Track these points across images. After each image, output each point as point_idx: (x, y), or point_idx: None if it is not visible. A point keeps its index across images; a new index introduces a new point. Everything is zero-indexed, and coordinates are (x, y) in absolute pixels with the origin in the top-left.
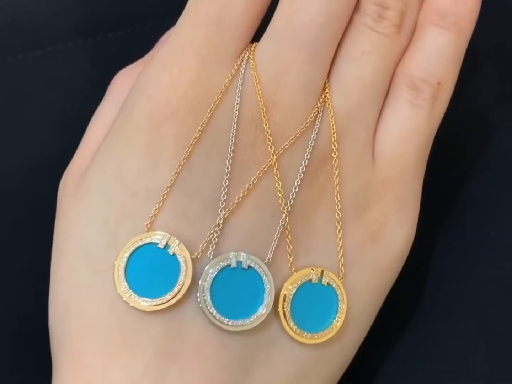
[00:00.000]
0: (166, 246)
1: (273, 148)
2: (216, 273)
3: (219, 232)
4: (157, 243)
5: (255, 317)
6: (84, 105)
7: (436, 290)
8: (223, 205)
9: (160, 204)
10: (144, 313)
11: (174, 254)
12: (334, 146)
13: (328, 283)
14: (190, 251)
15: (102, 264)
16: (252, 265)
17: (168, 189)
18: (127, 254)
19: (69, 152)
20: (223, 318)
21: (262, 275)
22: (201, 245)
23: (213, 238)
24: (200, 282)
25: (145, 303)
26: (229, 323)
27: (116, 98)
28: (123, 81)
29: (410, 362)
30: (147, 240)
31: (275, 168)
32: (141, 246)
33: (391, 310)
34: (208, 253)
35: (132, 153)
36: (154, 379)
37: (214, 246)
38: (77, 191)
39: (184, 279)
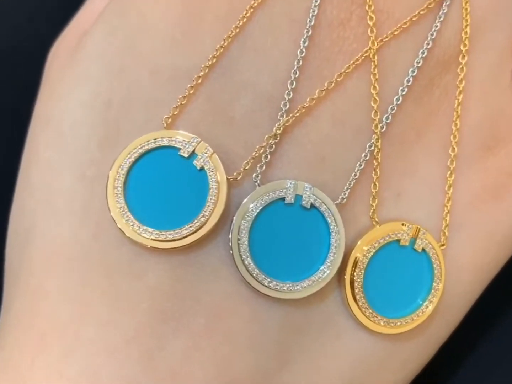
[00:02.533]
0: (192, 155)
1: (374, 33)
2: (261, 208)
3: (274, 148)
4: (179, 149)
5: (311, 282)
6: None
7: None
8: (286, 108)
9: (191, 92)
10: (144, 249)
11: (202, 168)
12: (464, 46)
13: (423, 249)
14: (228, 168)
15: (92, 168)
16: (317, 204)
17: (207, 71)
18: (130, 160)
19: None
20: (263, 276)
21: (329, 221)
22: (244, 162)
23: (264, 155)
24: (235, 217)
25: (147, 235)
26: (271, 285)
27: None
28: None
29: None
30: (164, 142)
31: (373, 64)
32: (154, 149)
33: None
34: (253, 176)
35: (159, 8)
36: (144, 350)
37: (263, 167)
38: (71, 59)
39: (213, 208)
